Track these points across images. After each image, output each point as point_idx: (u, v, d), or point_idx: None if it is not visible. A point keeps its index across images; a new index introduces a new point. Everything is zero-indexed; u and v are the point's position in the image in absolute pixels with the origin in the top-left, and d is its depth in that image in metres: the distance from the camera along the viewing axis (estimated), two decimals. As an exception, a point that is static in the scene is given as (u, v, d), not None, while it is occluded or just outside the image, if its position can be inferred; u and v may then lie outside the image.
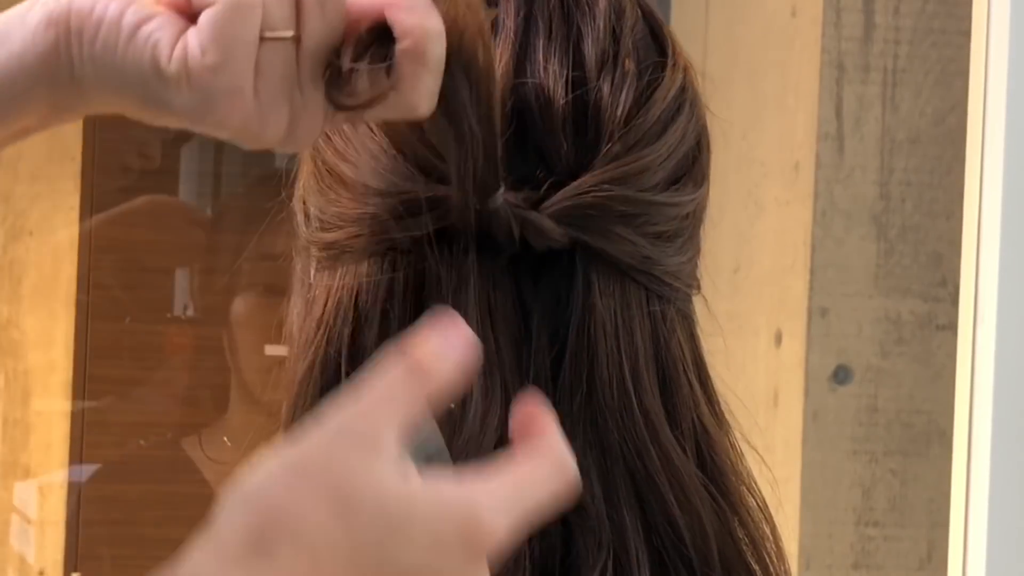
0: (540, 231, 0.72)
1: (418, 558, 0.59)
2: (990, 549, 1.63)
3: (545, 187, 0.73)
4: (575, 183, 0.73)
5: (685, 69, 0.78)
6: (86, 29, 0.70)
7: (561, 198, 0.73)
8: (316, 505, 0.59)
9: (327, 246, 0.77)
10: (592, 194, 0.73)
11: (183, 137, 2.85)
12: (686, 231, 0.77)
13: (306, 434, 0.60)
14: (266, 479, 0.59)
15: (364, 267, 0.75)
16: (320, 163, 0.78)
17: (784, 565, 0.78)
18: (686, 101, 0.77)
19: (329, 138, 0.77)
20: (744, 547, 0.76)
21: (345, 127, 0.76)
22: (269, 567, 0.58)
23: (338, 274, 0.76)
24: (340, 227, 0.76)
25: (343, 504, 0.59)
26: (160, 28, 0.69)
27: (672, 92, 0.76)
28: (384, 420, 0.61)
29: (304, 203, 0.80)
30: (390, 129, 0.74)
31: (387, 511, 0.59)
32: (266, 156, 2.60)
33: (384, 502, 0.59)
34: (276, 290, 0.82)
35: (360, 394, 0.61)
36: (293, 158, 0.82)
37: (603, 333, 0.73)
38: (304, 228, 0.79)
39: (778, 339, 1.95)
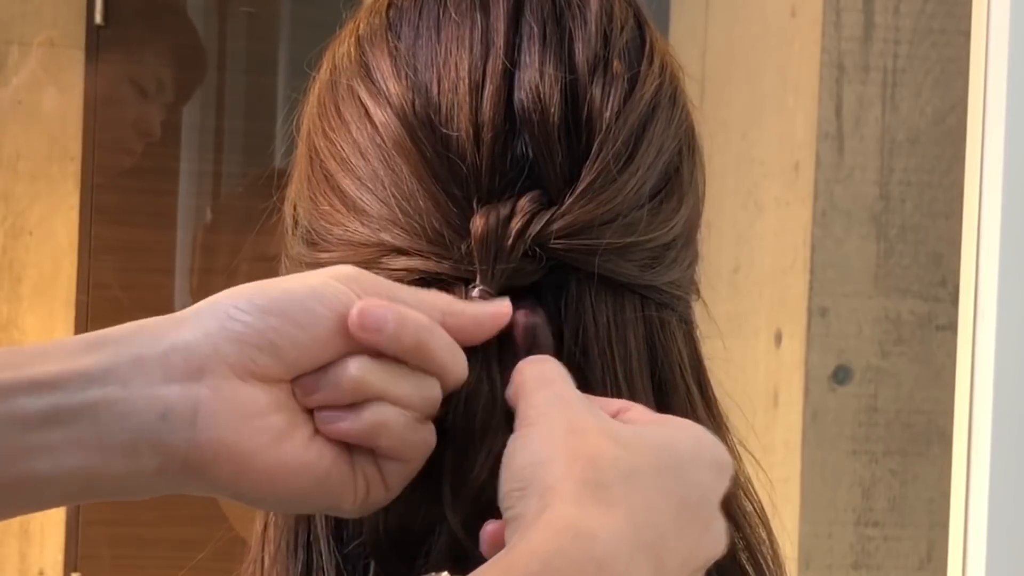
0: (525, 276, 0.72)
1: (701, 475, 0.66)
2: (990, 549, 1.63)
3: (525, 217, 0.72)
4: (558, 225, 0.72)
5: (661, 73, 0.77)
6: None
7: (549, 235, 0.72)
8: (607, 447, 0.65)
9: (321, 264, 0.76)
10: (574, 240, 0.72)
11: (175, 121, 2.85)
12: (678, 243, 0.77)
13: (529, 411, 0.67)
14: (552, 446, 0.65)
15: None
16: (319, 169, 0.77)
17: (780, 569, 0.78)
18: (657, 111, 0.76)
19: (332, 143, 0.77)
20: (739, 551, 0.76)
21: (356, 140, 0.76)
22: (615, 499, 0.63)
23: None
24: (337, 249, 0.75)
25: (618, 441, 0.65)
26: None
27: (642, 105, 0.75)
28: (570, 383, 0.69)
29: (295, 208, 0.79)
30: (416, 168, 0.74)
31: (648, 440, 0.66)
32: (265, 156, 2.60)
33: (639, 433, 0.67)
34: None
35: (525, 384, 0.68)
36: (290, 159, 0.82)
37: (595, 338, 0.73)
38: (291, 234, 0.79)
39: (778, 339, 1.95)
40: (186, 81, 2.86)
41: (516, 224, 0.71)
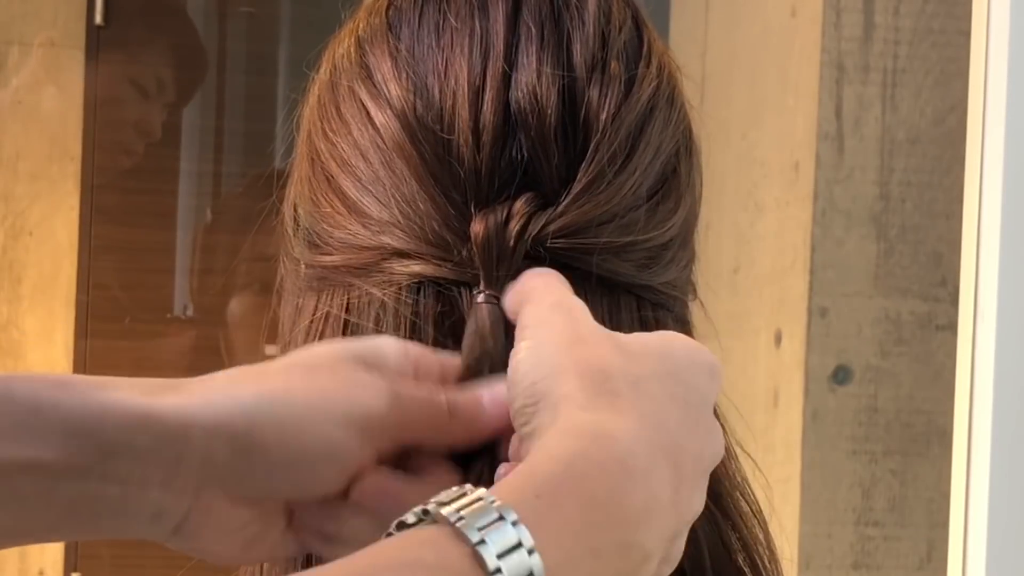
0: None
1: (699, 380, 0.67)
2: (990, 549, 1.63)
3: (523, 219, 0.72)
4: (556, 226, 0.72)
5: (659, 74, 0.77)
6: None
7: (548, 236, 0.72)
8: (613, 357, 0.65)
9: (323, 267, 0.76)
10: (573, 240, 0.72)
11: (175, 121, 2.85)
12: (675, 243, 0.77)
13: (532, 320, 0.67)
14: (560, 358, 0.65)
15: (355, 290, 0.74)
16: (320, 170, 0.77)
17: (777, 568, 0.78)
18: (655, 112, 0.76)
19: (333, 144, 0.77)
20: (736, 552, 0.75)
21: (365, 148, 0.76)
22: (626, 405, 0.63)
23: (325, 293, 0.75)
24: (339, 252, 0.75)
25: (622, 349, 0.65)
26: None
27: (640, 105, 0.75)
28: (569, 292, 0.69)
29: (295, 209, 0.79)
30: (416, 171, 0.74)
31: (649, 348, 0.66)
32: (265, 156, 2.60)
33: (639, 341, 0.67)
34: (273, 290, 0.82)
35: (530, 293, 0.68)
36: (290, 159, 0.82)
37: None
38: (292, 235, 0.79)
39: (778, 339, 1.95)
40: (187, 81, 2.86)
41: (515, 227, 0.71)
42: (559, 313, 0.67)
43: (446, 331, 0.72)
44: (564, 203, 0.72)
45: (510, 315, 0.69)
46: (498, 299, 0.71)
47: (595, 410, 0.62)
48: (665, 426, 0.63)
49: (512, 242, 0.71)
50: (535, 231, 0.71)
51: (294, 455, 0.64)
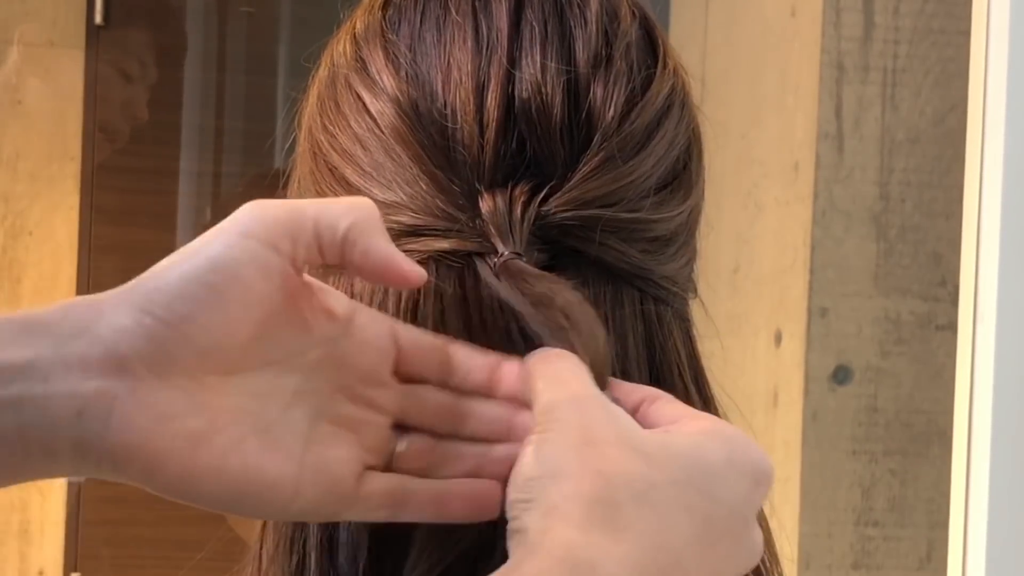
0: (532, 254, 0.73)
1: (735, 487, 0.63)
2: (990, 549, 1.63)
3: (530, 195, 0.73)
4: (562, 199, 0.73)
5: (675, 75, 0.78)
6: None
7: (553, 209, 0.72)
8: (625, 462, 0.61)
9: None
10: (580, 211, 0.73)
11: (175, 120, 2.85)
12: (680, 237, 0.77)
13: (543, 417, 0.64)
14: (564, 459, 0.61)
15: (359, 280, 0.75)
16: (323, 163, 0.78)
17: (777, 568, 0.78)
18: (671, 109, 0.77)
19: (333, 136, 0.77)
20: None
21: (367, 144, 0.76)
22: (624, 522, 0.59)
23: (332, 282, 0.76)
24: None
25: (639, 452, 0.61)
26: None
27: (657, 103, 0.76)
28: (589, 383, 0.65)
29: None
30: (413, 152, 0.74)
31: (674, 450, 0.62)
32: (265, 156, 2.60)
33: (665, 443, 0.63)
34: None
35: (546, 374, 0.65)
36: (291, 158, 0.82)
37: None
38: None
39: (778, 339, 1.95)
40: (167, 63, 2.86)
41: (524, 197, 0.72)
42: (574, 409, 0.63)
43: (461, 309, 0.72)
44: (572, 180, 0.73)
45: (521, 395, 0.68)
46: (521, 256, 0.71)
47: (585, 529, 0.59)
48: (668, 546, 0.60)
49: (521, 210, 0.72)
50: (543, 196, 0.72)
51: (188, 284, 0.63)
